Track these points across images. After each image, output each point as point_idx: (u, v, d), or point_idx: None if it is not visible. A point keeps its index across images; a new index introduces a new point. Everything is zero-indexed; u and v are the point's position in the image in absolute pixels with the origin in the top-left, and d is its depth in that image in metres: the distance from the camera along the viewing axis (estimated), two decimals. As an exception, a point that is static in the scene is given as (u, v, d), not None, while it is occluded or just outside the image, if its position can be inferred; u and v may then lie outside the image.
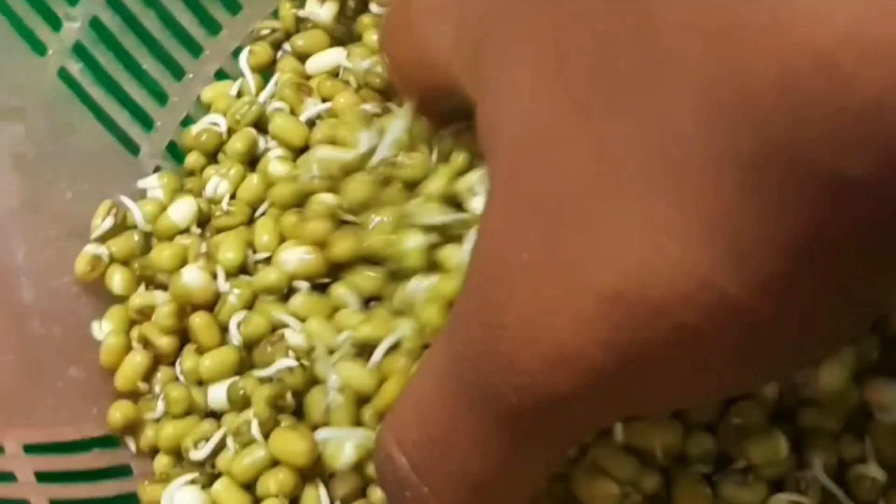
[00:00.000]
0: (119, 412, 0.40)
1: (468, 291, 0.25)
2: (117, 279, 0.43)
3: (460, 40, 0.28)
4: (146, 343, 0.41)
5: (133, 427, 0.41)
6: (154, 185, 0.45)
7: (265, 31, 0.47)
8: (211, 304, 0.41)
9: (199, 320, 0.41)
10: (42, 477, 0.38)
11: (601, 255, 0.22)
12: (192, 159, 0.45)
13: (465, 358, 0.24)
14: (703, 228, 0.21)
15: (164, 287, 0.42)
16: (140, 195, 0.45)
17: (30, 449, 0.38)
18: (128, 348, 0.42)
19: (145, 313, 0.42)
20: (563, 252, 0.22)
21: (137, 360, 0.41)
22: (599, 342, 0.22)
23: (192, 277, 0.41)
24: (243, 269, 0.42)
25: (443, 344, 0.26)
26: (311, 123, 0.44)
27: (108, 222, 0.43)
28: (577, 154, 0.22)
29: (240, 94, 0.46)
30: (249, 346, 0.40)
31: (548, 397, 0.23)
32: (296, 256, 0.40)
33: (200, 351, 0.41)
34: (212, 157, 0.45)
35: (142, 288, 0.43)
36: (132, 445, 0.41)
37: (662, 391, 0.23)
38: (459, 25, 0.28)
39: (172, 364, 0.42)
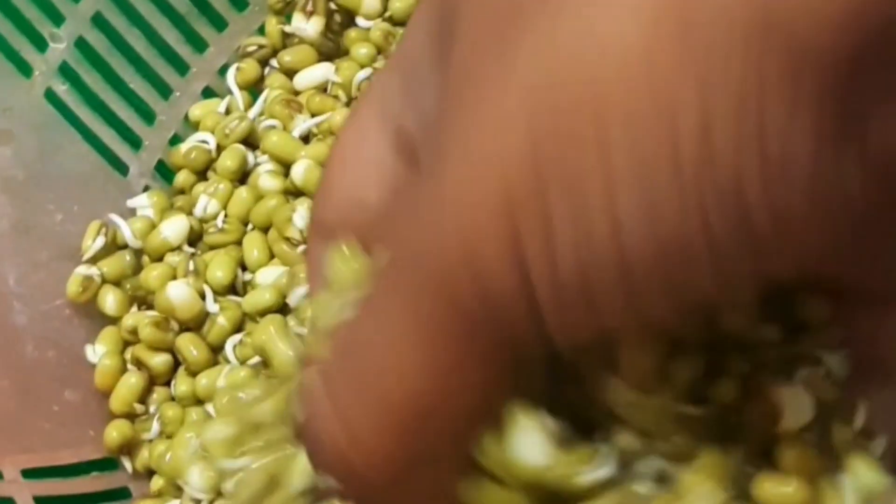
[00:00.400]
0: (116, 431, 0.40)
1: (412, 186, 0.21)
2: (110, 300, 0.42)
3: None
4: (140, 364, 0.41)
5: (130, 447, 0.40)
6: (144, 203, 0.44)
7: (252, 48, 0.47)
8: (198, 323, 0.41)
9: (185, 340, 0.41)
10: (41, 501, 0.38)
11: (539, 35, 0.19)
12: (182, 178, 0.45)
13: (405, 243, 0.20)
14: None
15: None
16: (130, 215, 0.44)
17: (28, 474, 0.38)
18: (122, 370, 0.41)
19: (137, 334, 0.42)
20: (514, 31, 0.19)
21: (132, 381, 0.41)
22: (522, 133, 0.18)
23: (177, 292, 0.40)
24: (233, 288, 0.42)
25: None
26: (304, 139, 0.44)
27: (100, 242, 0.43)
28: None
29: (228, 112, 0.46)
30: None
31: (479, 268, 0.19)
32: (273, 276, 0.41)
33: (191, 372, 0.41)
34: (201, 174, 0.45)
35: (134, 308, 0.43)
36: (129, 466, 0.40)
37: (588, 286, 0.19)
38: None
39: (167, 384, 0.42)
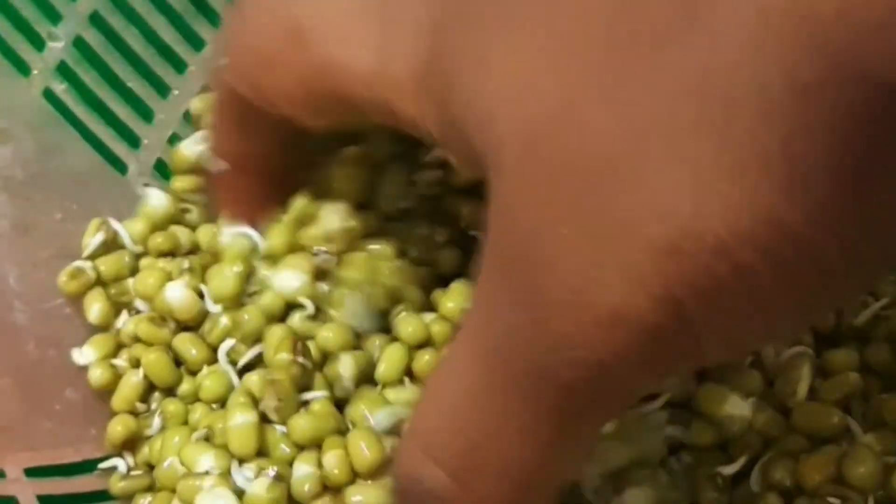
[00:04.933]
0: (121, 425, 0.40)
1: (497, 283, 0.24)
2: (95, 310, 0.42)
3: (418, 35, 0.28)
4: (138, 363, 0.41)
5: (132, 444, 0.40)
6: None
7: (251, 45, 0.47)
8: (197, 323, 0.41)
9: (183, 340, 0.40)
10: (44, 500, 0.38)
11: (651, 211, 0.22)
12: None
13: (509, 349, 0.24)
14: (758, 164, 0.21)
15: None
16: (128, 214, 0.44)
17: (31, 472, 0.38)
18: (114, 376, 0.41)
19: (135, 336, 0.41)
20: (607, 217, 0.22)
21: (133, 380, 0.41)
22: (655, 298, 0.22)
23: (175, 294, 0.40)
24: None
25: (470, 345, 0.26)
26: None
27: (99, 237, 0.42)
28: (604, 118, 0.22)
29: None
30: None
31: (602, 365, 0.23)
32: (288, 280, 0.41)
33: (191, 371, 0.41)
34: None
35: (124, 315, 0.42)
36: (131, 462, 0.40)
37: (715, 342, 0.23)
38: (415, 22, 0.28)
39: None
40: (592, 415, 0.25)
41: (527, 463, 0.25)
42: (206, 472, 0.36)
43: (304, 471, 0.36)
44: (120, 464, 0.39)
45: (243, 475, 0.36)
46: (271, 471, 0.35)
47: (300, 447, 0.36)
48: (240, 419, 0.37)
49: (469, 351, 0.26)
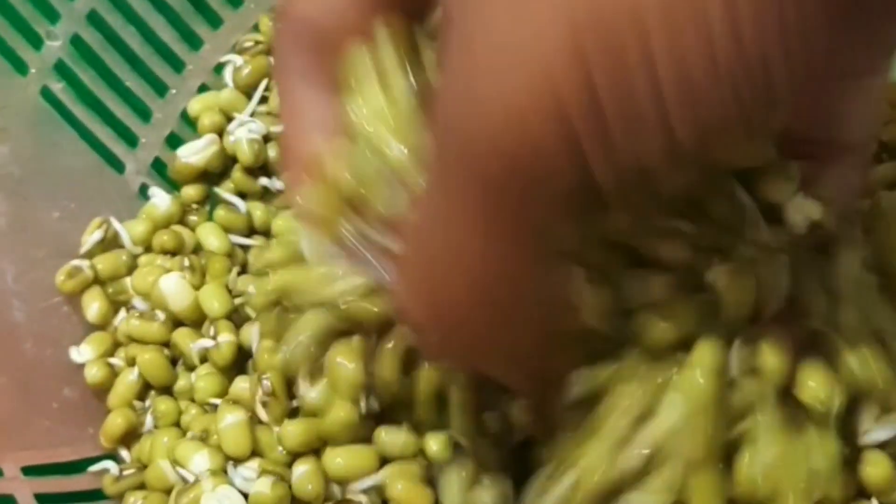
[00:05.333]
0: (121, 417, 0.40)
1: (446, 65, 0.24)
2: (94, 308, 0.42)
3: None
4: (134, 362, 0.41)
5: (129, 439, 0.40)
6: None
7: (248, 44, 0.47)
8: (194, 319, 0.41)
9: (181, 335, 0.41)
10: (42, 499, 0.38)
11: None
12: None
13: (448, 143, 0.24)
14: None
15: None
16: (126, 213, 0.44)
17: (28, 471, 0.38)
18: (109, 374, 0.41)
19: (132, 337, 0.41)
20: None
21: (129, 379, 0.41)
22: (568, 67, 0.22)
23: (170, 285, 0.40)
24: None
25: (433, 160, 0.26)
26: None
27: (97, 236, 0.42)
28: None
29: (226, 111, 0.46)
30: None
31: (517, 157, 0.23)
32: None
33: (188, 367, 0.41)
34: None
35: (122, 313, 0.42)
36: (127, 458, 0.40)
37: (632, 142, 0.23)
38: None
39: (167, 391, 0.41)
40: (537, 226, 0.24)
41: (487, 277, 0.25)
42: (198, 480, 0.36)
43: (303, 470, 0.35)
44: (111, 466, 0.39)
45: (241, 476, 0.36)
46: (271, 477, 0.35)
47: (296, 454, 0.36)
48: (230, 419, 0.37)
49: (432, 167, 0.26)
